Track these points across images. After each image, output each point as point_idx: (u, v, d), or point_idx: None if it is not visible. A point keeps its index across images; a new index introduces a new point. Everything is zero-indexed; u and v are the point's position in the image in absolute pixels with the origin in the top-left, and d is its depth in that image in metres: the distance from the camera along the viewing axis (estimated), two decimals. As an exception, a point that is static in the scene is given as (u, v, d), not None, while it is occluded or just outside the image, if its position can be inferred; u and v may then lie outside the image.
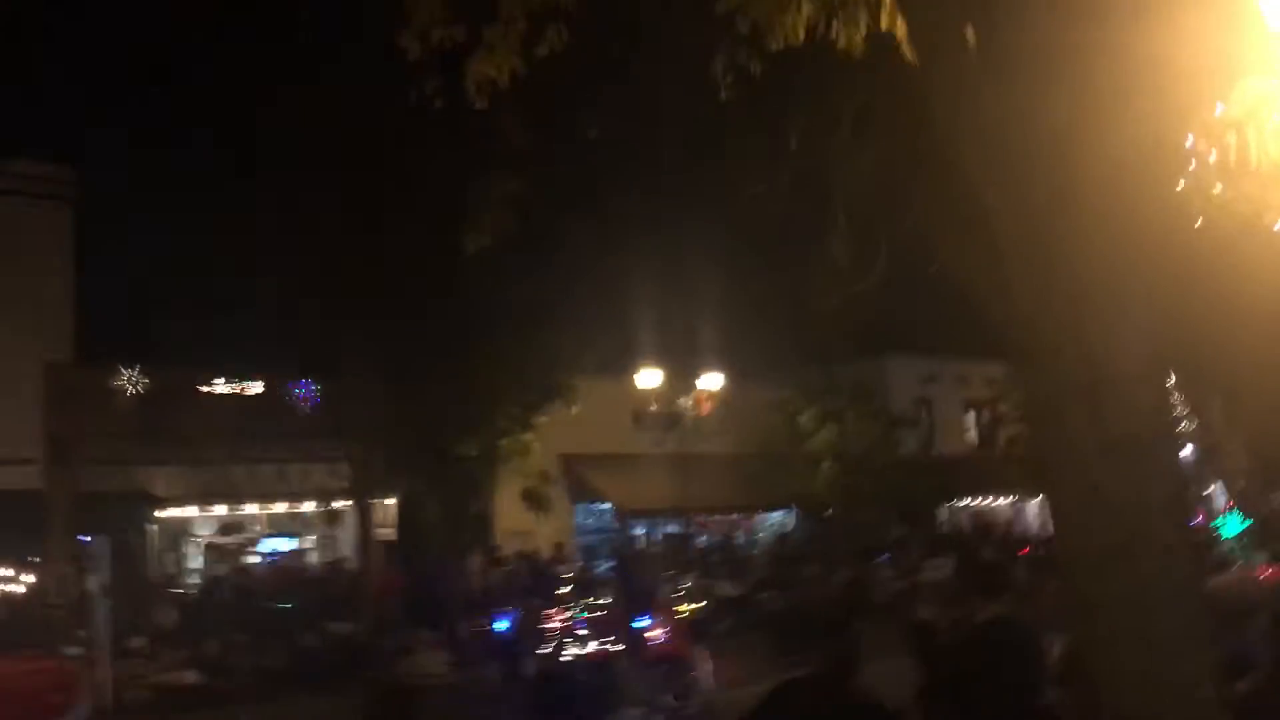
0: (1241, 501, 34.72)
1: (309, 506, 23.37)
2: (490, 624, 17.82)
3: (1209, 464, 34.94)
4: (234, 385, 22.37)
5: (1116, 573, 4.04)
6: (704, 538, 29.40)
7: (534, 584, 19.63)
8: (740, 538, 31.34)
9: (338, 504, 21.92)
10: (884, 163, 6.08)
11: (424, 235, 18.16)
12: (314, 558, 25.30)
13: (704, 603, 18.49)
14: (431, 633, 20.23)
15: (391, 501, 23.52)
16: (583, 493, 27.79)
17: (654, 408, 25.58)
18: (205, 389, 22.32)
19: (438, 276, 18.63)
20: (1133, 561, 3.99)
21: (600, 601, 16.85)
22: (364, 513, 21.36)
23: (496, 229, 9.48)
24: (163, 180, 21.28)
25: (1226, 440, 33.30)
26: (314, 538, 25.53)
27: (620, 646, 15.74)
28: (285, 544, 25.46)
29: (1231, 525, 30.17)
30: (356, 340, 19.30)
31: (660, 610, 14.99)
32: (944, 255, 5.49)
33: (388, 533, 24.03)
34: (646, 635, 14.96)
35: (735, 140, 7.47)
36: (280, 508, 24.00)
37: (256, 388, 22.49)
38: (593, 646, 15.45)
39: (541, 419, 23.05)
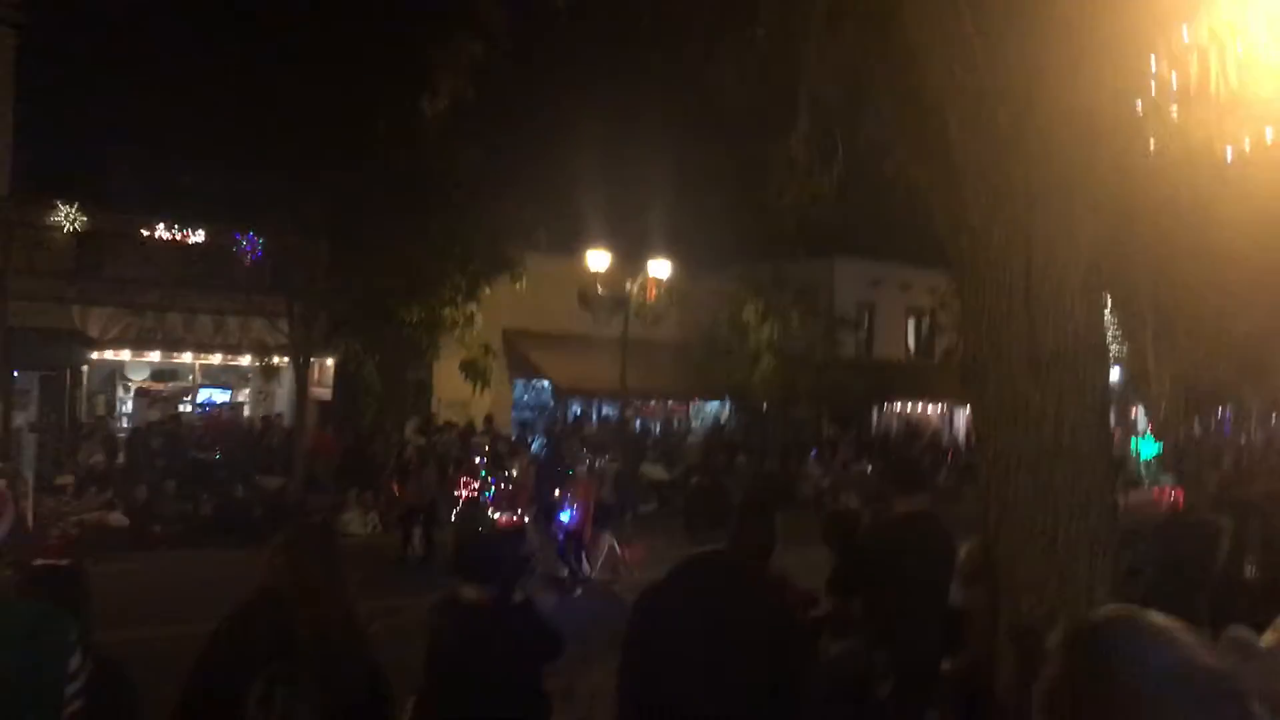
0: (1160, 427, 35.83)
1: (245, 360, 23.20)
2: (418, 489, 18.04)
3: (1135, 388, 35.90)
4: (176, 232, 21.93)
5: (1032, 478, 4.22)
6: (639, 421, 29.79)
7: (460, 453, 19.84)
8: (676, 424, 31.81)
9: (275, 360, 21.77)
10: (852, 64, 6.06)
11: (382, 95, 17.78)
12: (248, 412, 25.27)
13: (628, 485, 18.75)
14: (362, 493, 20.45)
15: (330, 361, 23.46)
16: (523, 369, 27.91)
17: (601, 290, 25.56)
18: (146, 233, 21.86)
19: (393, 138, 18.31)
20: (1048, 469, 4.17)
21: (513, 474, 17.09)
22: (301, 370, 21.28)
23: (456, 94, 9.34)
24: (112, 16, 20.44)
25: (1154, 367, 34.19)
26: (248, 391, 25.44)
27: (528, 520, 16.06)
28: (219, 395, 25.37)
29: (1146, 449, 31.15)
30: (305, 196, 18.96)
31: (575, 488, 15.27)
32: (901, 160, 5.54)
33: (324, 392, 24.03)
34: (558, 511, 15.31)
35: (706, 24, 7.37)
36: (216, 359, 23.81)
37: (198, 236, 22.07)
38: (502, 517, 15.78)
39: (487, 292, 22.97)
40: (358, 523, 19.96)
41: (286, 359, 21.52)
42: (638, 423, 29.54)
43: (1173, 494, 20.65)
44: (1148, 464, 30.85)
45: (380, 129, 18.08)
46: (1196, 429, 41.13)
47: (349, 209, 18.97)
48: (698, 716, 3.91)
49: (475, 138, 19.79)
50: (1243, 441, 39.34)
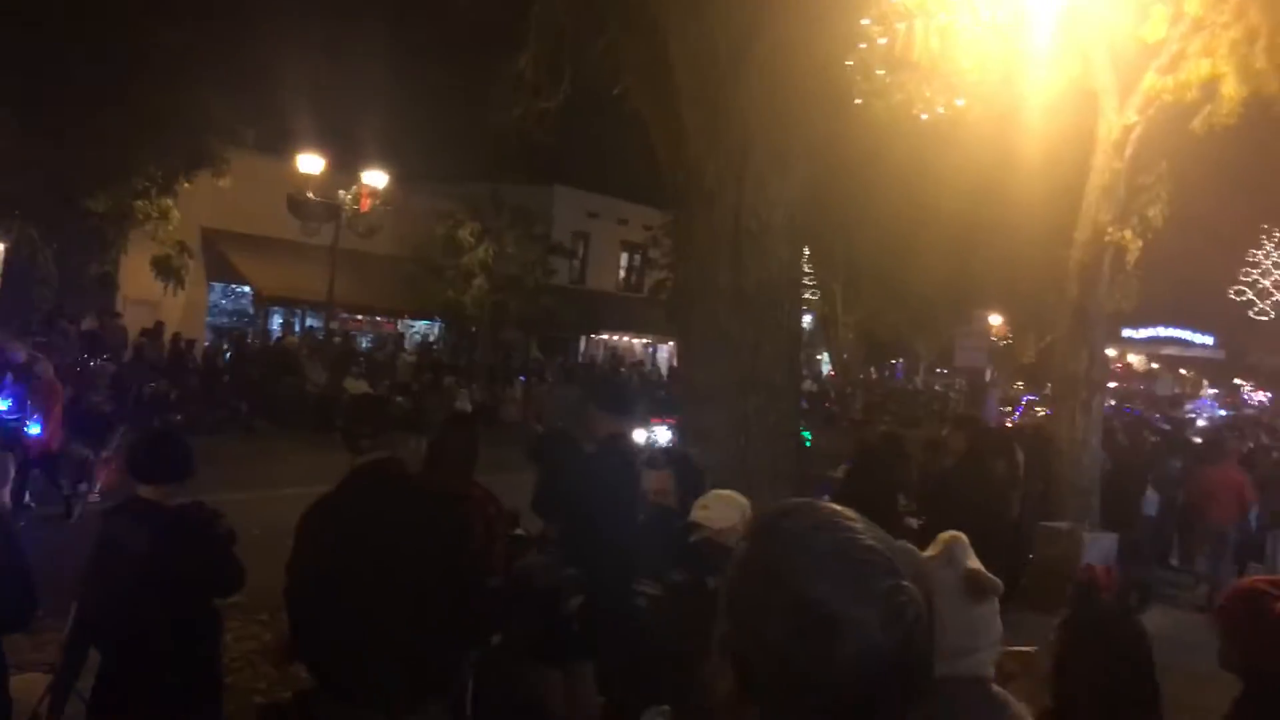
0: (841, 371, 38.46)
1: (-105, 238, 20.68)
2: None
3: (822, 333, 38.39)
4: None
5: (726, 405, 4.44)
6: (338, 337, 28.93)
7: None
8: (384, 341, 31.14)
9: (-67, 240, 19.55)
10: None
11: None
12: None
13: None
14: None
15: (0, 245, 21.28)
16: (222, 272, 26.38)
17: (312, 196, 24.48)
18: None
19: (86, 10, 16.65)
20: (743, 397, 4.39)
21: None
22: (-36, 255, 19.24)
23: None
24: None
25: (842, 314, 36.56)
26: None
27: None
28: None
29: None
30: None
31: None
32: (627, 86, 5.59)
33: (-11, 280, 21.80)
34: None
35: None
36: None
37: None
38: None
39: (185, 186, 21.49)
40: (24, 424, 18.37)
41: (-54, 240, 19.36)
42: (339, 338, 28.70)
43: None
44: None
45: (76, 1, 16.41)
46: (872, 373, 44.60)
47: (34, 82, 17.13)
48: (363, 631, 3.88)
49: (180, 18, 18.33)
50: (910, 388, 42.98)
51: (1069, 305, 10.60)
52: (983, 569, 2.34)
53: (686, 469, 6.07)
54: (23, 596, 3.81)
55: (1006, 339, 34.92)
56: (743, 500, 3.84)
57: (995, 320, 31.19)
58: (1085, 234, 10.10)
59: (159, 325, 21.98)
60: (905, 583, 1.15)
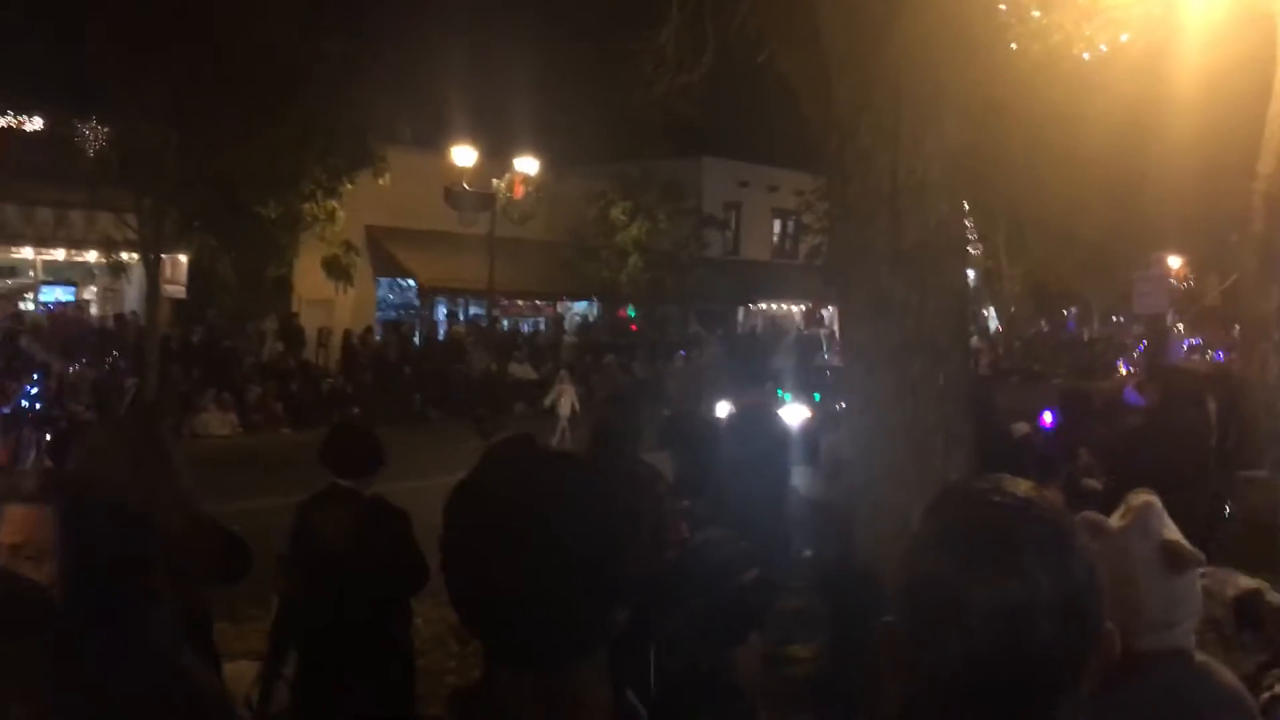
0: (1009, 324, 37.20)
1: (92, 256, 22.07)
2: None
3: (987, 288, 37.19)
4: (9, 118, 20.50)
5: (893, 370, 4.34)
6: (505, 322, 29.60)
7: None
8: (543, 325, 31.73)
9: (124, 256, 20.76)
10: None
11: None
12: (94, 310, 24.14)
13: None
14: (220, 393, 19.91)
15: (184, 257, 22.49)
16: (387, 267, 27.33)
17: (467, 187, 25.07)
18: (-25, 120, 20.40)
19: (246, 21, 17.39)
20: (908, 361, 4.29)
21: None
22: (152, 267, 20.35)
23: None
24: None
25: (1006, 267, 35.34)
26: (94, 289, 24.27)
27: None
28: (63, 293, 24.15)
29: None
30: (154, 82, 17.87)
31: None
32: (773, 52, 5.51)
33: (177, 290, 23.06)
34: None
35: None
36: (59, 255, 22.59)
37: (36, 124, 20.67)
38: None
39: (349, 187, 22.28)
40: (216, 423, 19.46)
41: (135, 255, 20.55)
42: (504, 323, 29.36)
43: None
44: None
45: (235, 10, 17.10)
46: (1044, 326, 43.04)
47: (199, 95, 17.99)
48: (517, 594, 4.00)
49: (336, 25, 18.98)
50: (1085, 338, 41.30)
51: (1254, 241, 9.98)
52: (1181, 538, 2.22)
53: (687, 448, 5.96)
54: (235, 544, 3.77)
55: (1187, 281, 33.17)
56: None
57: (1174, 263, 29.64)
58: (1270, 164, 9.47)
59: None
60: (1080, 542, 1.12)
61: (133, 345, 20.75)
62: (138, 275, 21.58)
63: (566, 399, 18.14)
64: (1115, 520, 2.18)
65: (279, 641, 4.60)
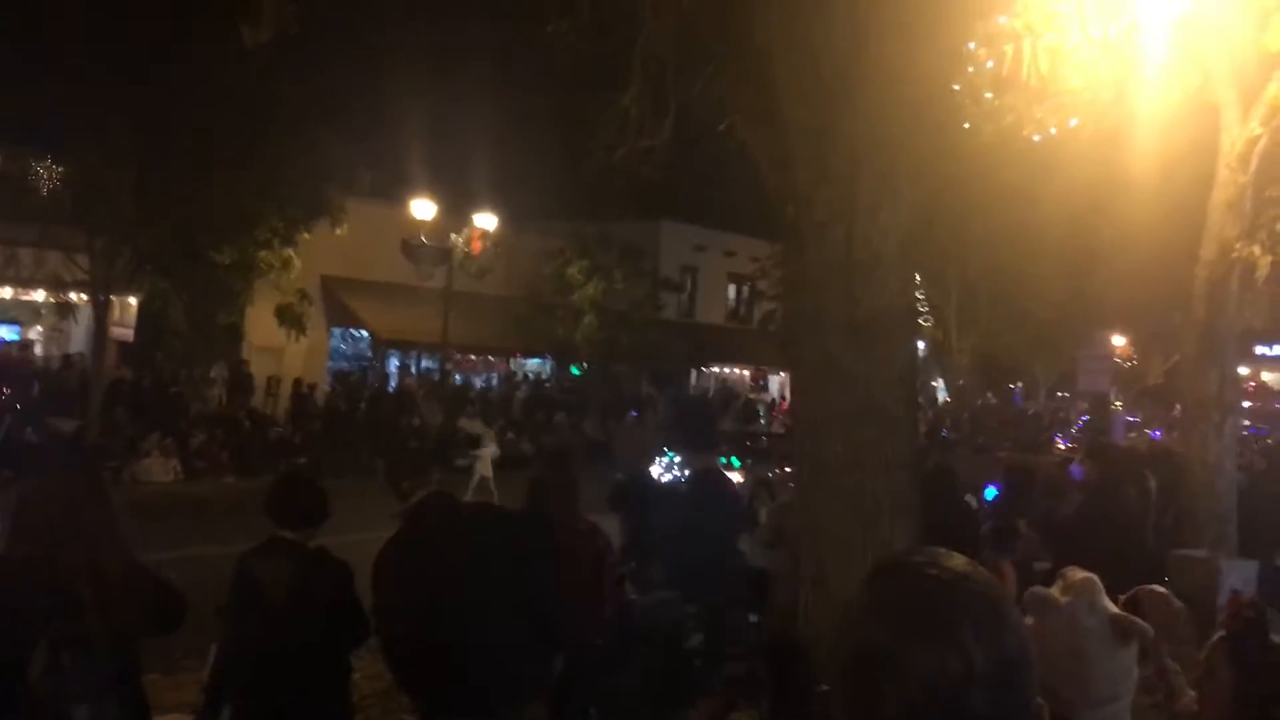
0: (957, 396, 37.61)
1: (40, 295, 21.75)
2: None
3: (936, 359, 37.67)
4: (-41, 155, 20.24)
5: (842, 437, 4.37)
6: (458, 376, 29.47)
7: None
8: (495, 380, 31.64)
9: (73, 296, 20.47)
10: (687, 20, 6.08)
11: (196, 22, 16.82)
12: (39, 350, 23.73)
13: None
14: (164, 438, 19.58)
15: (133, 300, 22.23)
16: (341, 317, 27.19)
17: (424, 240, 25.08)
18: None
19: (207, 67, 17.35)
20: (858, 428, 4.33)
21: None
22: (101, 308, 20.07)
23: (277, 24, 8.91)
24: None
25: (956, 339, 35.85)
26: (40, 329, 23.89)
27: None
28: (8, 332, 23.74)
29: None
30: (112, 123, 17.76)
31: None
32: (734, 121, 5.60)
33: (125, 332, 22.77)
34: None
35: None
36: (5, 293, 22.25)
37: (-12, 160, 20.44)
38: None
39: (305, 236, 22.21)
40: (159, 469, 19.12)
41: (84, 296, 20.27)
42: (457, 377, 29.23)
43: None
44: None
45: (197, 54, 17.05)
46: (990, 399, 43.54)
47: (159, 137, 17.89)
48: (456, 648, 3.97)
49: (297, 73, 18.99)
50: (1030, 412, 41.83)
51: (1195, 325, 10.22)
52: (1125, 613, 2.27)
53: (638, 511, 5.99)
54: (170, 595, 3.75)
55: (1131, 360, 33.80)
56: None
57: (1119, 341, 30.20)
58: (1210, 251, 9.73)
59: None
60: (1014, 612, 1.15)
61: (77, 387, 20.40)
62: (85, 316, 21.28)
63: (487, 454, 17.88)
64: (1057, 595, 2.22)
65: (213, 695, 4.50)
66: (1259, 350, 49.07)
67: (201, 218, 19.12)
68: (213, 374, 22.99)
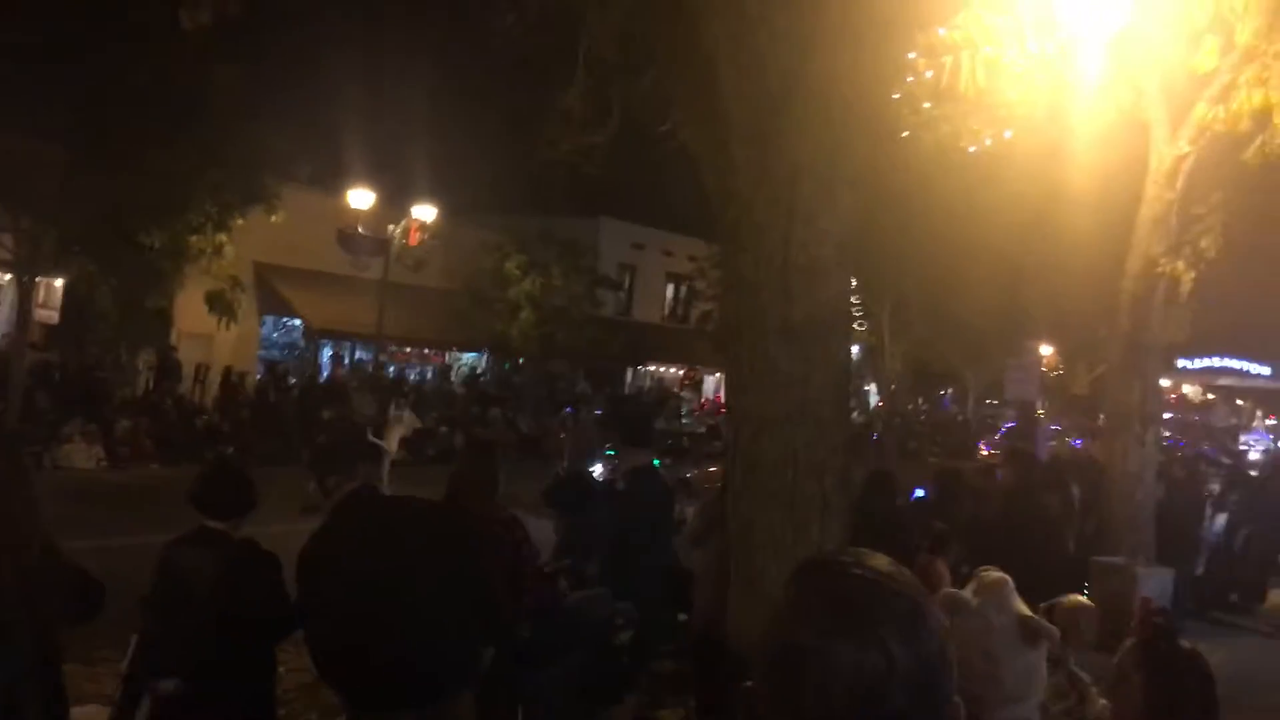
0: (889, 401, 38.11)
1: (-40, 275, 21.16)
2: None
3: (869, 363, 38.14)
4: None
5: (776, 440, 4.42)
6: (392, 368, 29.22)
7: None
8: (429, 374, 31.42)
9: (-6, 276, 19.95)
10: (631, 20, 6.09)
11: (135, 4, 16.46)
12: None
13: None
14: (87, 424, 19.17)
15: (59, 282, 21.70)
16: (274, 305, 26.78)
17: (361, 230, 24.81)
18: None
19: (143, 47, 16.98)
20: (792, 429, 4.37)
21: None
22: (25, 289, 19.57)
23: (217, 6, 8.75)
24: None
25: (889, 345, 36.29)
26: (-41, 310, 23.23)
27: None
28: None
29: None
30: (42, 99, 17.28)
31: None
32: (676, 121, 5.63)
33: (50, 315, 22.22)
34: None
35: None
36: (-78, 271, 21.62)
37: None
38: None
39: (239, 222, 21.83)
40: (81, 456, 18.71)
41: (9, 276, 19.75)
42: (390, 369, 28.98)
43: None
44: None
45: (133, 33, 16.67)
46: (921, 404, 44.20)
47: (90, 116, 17.46)
48: (383, 640, 3.97)
49: (236, 58, 18.65)
50: (959, 419, 42.51)
51: (1120, 337, 10.47)
52: (1034, 615, 2.32)
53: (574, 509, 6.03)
54: (89, 582, 3.70)
55: (1058, 370, 34.48)
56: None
57: (1046, 351, 30.79)
58: (1137, 265, 9.99)
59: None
60: (934, 614, 1.17)
61: (-2, 369, 19.87)
62: (9, 297, 20.74)
63: (396, 433, 17.61)
64: (970, 596, 2.27)
65: (132, 686, 4.42)
66: (1181, 364, 50.45)
67: (132, 200, 18.69)
68: (140, 360, 22.55)
